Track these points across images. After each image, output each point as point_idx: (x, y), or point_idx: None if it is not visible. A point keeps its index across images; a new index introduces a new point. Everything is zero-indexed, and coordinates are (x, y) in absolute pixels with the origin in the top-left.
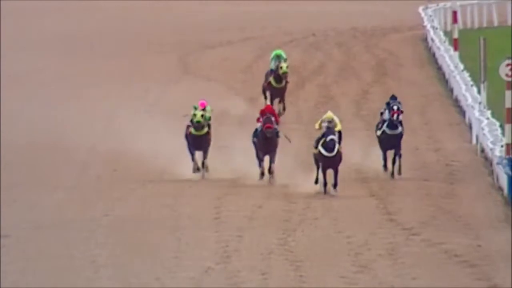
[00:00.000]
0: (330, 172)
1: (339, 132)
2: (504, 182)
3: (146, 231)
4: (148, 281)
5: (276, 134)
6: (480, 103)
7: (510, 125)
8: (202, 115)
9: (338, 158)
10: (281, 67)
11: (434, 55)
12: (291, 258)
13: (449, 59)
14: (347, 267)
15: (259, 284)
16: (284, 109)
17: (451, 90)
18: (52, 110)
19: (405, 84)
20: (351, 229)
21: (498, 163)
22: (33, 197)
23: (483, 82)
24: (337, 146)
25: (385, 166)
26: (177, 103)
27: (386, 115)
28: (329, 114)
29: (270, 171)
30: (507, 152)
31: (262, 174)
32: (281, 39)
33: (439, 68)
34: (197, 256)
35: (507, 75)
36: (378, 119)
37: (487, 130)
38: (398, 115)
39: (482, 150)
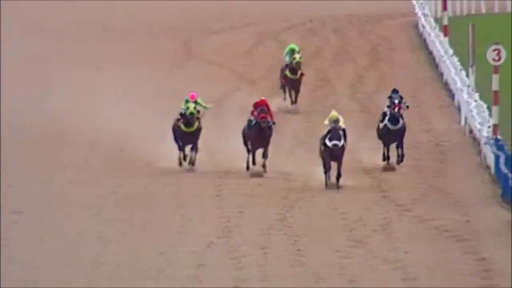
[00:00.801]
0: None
1: (344, 130)
2: (491, 161)
3: (151, 208)
4: (153, 256)
5: (270, 127)
6: (468, 86)
7: (496, 107)
8: (194, 107)
9: (342, 151)
10: (294, 58)
11: (425, 41)
12: (289, 233)
13: (439, 44)
14: (342, 241)
15: (259, 258)
16: (295, 101)
17: (441, 74)
18: (61, 91)
19: (398, 68)
20: (346, 206)
21: (485, 143)
22: (44, 175)
23: (471, 67)
24: (341, 143)
25: (384, 158)
26: (182, 86)
27: (387, 109)
28: (334, 113)
29: (263, 166)
30: (494, 132)
31: (248, 167)
32: (280, 25)
33: (430, 53)
34: (199, 232)
35: (494, 59)
36: (372, 101)
37: (475, 112)
38: (399, 109)
39: (471, 131)
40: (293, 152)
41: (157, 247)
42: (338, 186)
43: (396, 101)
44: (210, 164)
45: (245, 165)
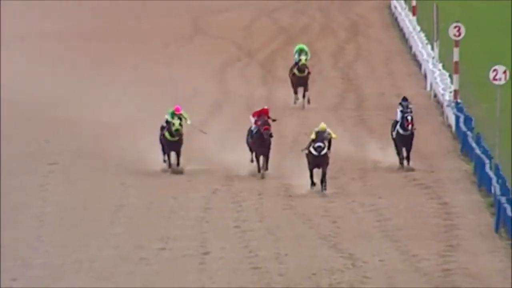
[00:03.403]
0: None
1: (329, 141)
2: (452, 121)
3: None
4: (167, 199)
5: (270, 135)
6: (433, 57)
7: (457, 75)
8: (180, 123)
9: (325, 159)
10: (300, 60)
11: (396, 19)
12: (281, 181)
13: (408, 22)
14: (327, 188)
15: (256, 203)
16: (309, 101)
17: (410, 47)
18: (86, 61)
19: (373, 42)
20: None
21: (447, 106)
22: (76, 130)
23: (436, 41)
24: (325, 150)
25: (401, 161)
26: (191, 56)
27: (399, 117)
28: (323, 125)
29: (264, 169)
30: (455, 97)
31: (259, 169)
32: (274, 4)
33: (401, 30)
34: (206, 180)
35: (454, 35)
36: (351, 70)
37: (438, 79)
38: (412, 126)
39: (435, 95)
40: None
41: (171, 192)
42: (324, 189)
43: (409, 118)
44: (215, 122)
45: (255, 172)
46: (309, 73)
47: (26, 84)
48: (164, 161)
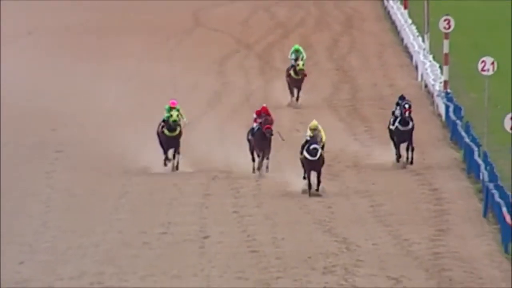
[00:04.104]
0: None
1: (322, 143)
2: (442, 110)
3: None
4: (168, 186)
5: (270, 133)
6: (424, 49)
7: (447, 66)
8: (177, 115)
9: (320, 162)
10: (297, 64)
11: (389, 12)
12: (277, 168)
13: (400, 15)
14: (322, 175)
15: (254, 189)
16: (297, 99)
17: (402, 39)
18: (91, 53)
19: (367, 35)
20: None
21: (437, 95)
22: (81, 120)
23: (427, 33)
24: (319, 152)
25: (397, 156)
26: (191, 48)
27: (398, 112)
28: (314, 122)
29: (265, 167)
30: (445, 87)
31: (254, 169)
32: None
33: (393, 23)
34: (206, 168)
35: (445, 27)
36: (346, 61)
37: (429, 70)
38: (409, 112)
39: (426, 86)
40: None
41: (172, 180)
42: (317, 190)
43: (407, 106)
44: (215, 109)
45: (251, 170)
46: (304, 75)
47: (33, 75)
48: (164, 162)
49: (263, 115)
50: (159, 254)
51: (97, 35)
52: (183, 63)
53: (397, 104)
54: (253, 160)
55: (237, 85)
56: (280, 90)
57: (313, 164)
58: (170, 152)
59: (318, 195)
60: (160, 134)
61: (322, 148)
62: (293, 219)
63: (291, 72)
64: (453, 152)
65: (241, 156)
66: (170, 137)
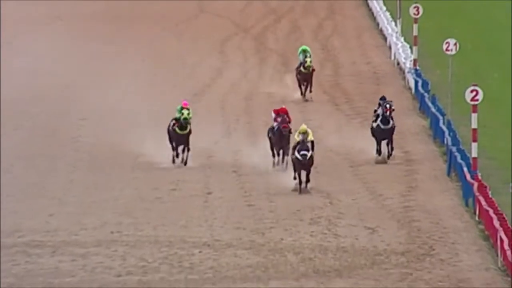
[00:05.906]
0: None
1: (312, 142)
2: (412, 84)
3: None
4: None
5: (289, 131)
6: (396, 32)
7: (416, 46)
8: (188, 113)
9: (310, 162)
10: (306, 61)
11: (366, 0)
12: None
13: (376, 3)
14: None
15: (252, 151)
16: (310, 90)
17: (378, 24)
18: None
19: (347, 19)
20: (312, 115)
21: (408, 72)
22: (102, 93)
23: (399, 19)
24: (309, 154)
25: (377, 152)
26: (197, 32)
27: (380, 111)
28: (303, 126)
29: (285, 164)
30: (414, 64)
31: (274, 164)
32: None
33: (370, 9)
34: (209, 134)
35: (414, 14)
36: (329, 42)
37: (401, 50)
38: (390, 112)
39: (398, 63)
40: (272, 77)
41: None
42: (306, 187)
43: (388, 106)
44: (215, 85)
45: (271, 165)
46: (313, 70)
47: (60, 58)
48: (173, 158)
49: (281, 114)
50: (169, 207)
51: (114, 22)
52: (190, 44)
53: (379, 104)
54: (273, 156)
55: (236, 62)
56: (272, 67)
57: (303, 165)
58: (180, 148)
59: (307, 192)
60: (171, 132)
61: (312, 149)
62: (284, 177)
63: (301, 68)
64: (421, 120)
65: (239, 123)
66: (180, 135)
